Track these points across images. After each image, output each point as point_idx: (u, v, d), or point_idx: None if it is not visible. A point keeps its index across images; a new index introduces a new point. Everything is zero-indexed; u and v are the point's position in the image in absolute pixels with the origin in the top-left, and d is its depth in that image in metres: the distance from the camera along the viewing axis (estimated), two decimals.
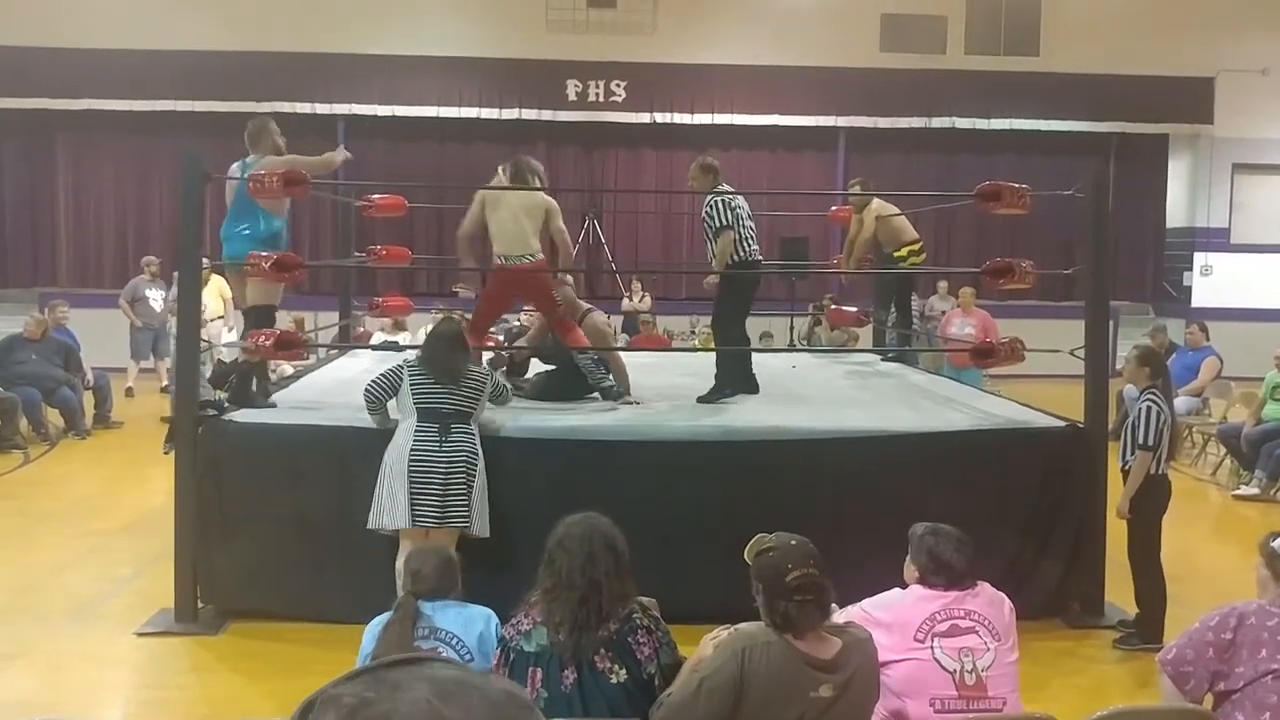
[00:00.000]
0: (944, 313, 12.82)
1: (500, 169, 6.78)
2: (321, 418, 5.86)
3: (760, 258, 6.91)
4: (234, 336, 11.44)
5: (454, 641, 3.41)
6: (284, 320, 9.62)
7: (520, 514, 5.20)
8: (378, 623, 3.47)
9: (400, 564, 5.05)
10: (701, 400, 6.46)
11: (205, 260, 12.97)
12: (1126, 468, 5.48)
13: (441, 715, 0.92)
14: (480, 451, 5.22)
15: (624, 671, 3.01)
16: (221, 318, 12.66)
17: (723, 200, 6.54)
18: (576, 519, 3.19)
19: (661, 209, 15.75)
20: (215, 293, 12.72)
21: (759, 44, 15.66)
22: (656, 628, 3.12)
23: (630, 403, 6.39)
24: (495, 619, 3.52)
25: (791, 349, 10.89)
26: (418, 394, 5.23)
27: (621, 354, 7.03)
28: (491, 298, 6.91)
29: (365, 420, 5.79)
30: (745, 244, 6.60)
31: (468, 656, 3.40)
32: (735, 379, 6.70)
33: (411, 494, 5.06)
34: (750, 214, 6.79)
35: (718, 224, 6.53)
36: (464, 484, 5.12)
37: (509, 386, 5.75)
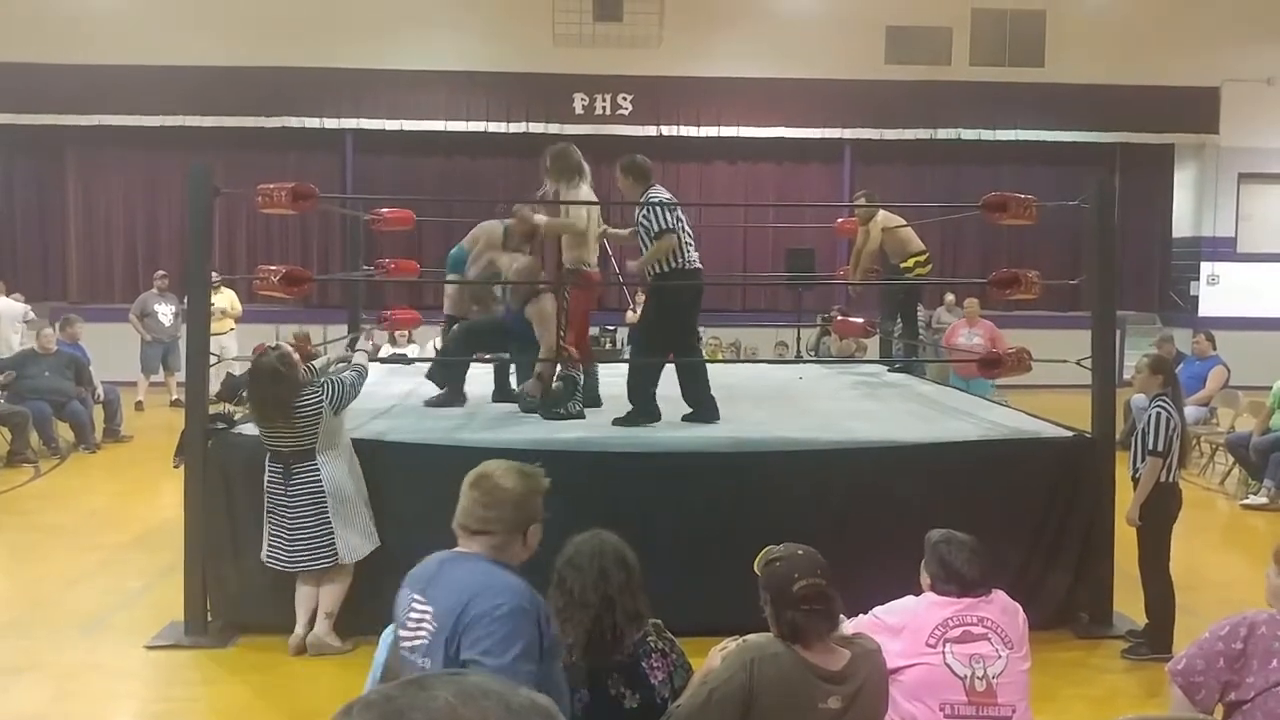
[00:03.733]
0: (950, 324, 12.83)
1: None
2: None
3: (700, 265, 6.32)
4: (235, 349, 11.52)
5: None
6: (288, 334, 9.68)
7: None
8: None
9: (297, 592, 5.26)
10: (617, 422, 6.07)
11: (215, 274, 13.15)
12: (1136, 476, 5.47)
13: (457, 714, 0.95)
14: (335, 479, 5.15)
15: (637, 697, 2.97)
16: (231, 330, 12.73)
17: (661, 205, 6.09)
18: (585, 537, 3.14)
19: None
20: (225, 305, 12.80)
21: (764, 57, 15.71)
22: (671, 650, 3.08)
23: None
24: None
25: (799, 360, 10.88)
26: (262, 434, 5.27)
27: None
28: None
29: (373, 433, 5.82)
30: (684, 250, 6.12)
31: None
32: (700, 400, 6.20)
33: (269, 535, 5.24)
34: (685, 220, 6.30)
35: (658, 226, 6.04)
36: (315, 523, 5.14)
37: (343, 382, 5.36)
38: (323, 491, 5.14)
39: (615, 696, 2.95)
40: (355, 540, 5.22)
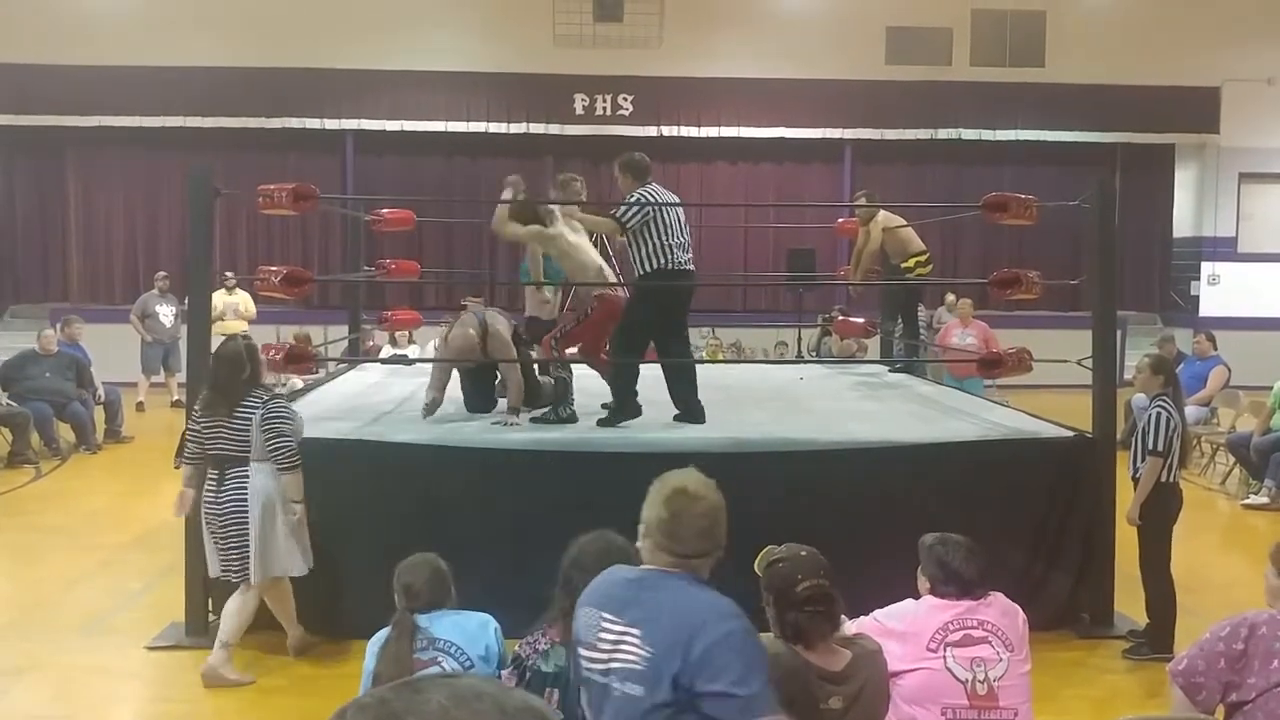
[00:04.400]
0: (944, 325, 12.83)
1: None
2: (330, 431, 5.87)
3: (691, 268, 6.19)
4: None
5: (453, 650, 3.42)
6: (288, 335, 9.68)
7: (529, 528, 5.21)
8: (378, 640, 3.49)
9: (229, 605, 5.04)
10: (601, 423, 6.01)
11: (230, 274, 13.12)
12: (1137, 476, 5.47)
13: (450, 716, 0.95)
14: (262, 492, 4.93)
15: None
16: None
17: (640, 204, 5.98)
18: (590, 537, 3.15)
19: None
20: (239, 307, 12.79)
21: (765, 57, 15.71)
22: None
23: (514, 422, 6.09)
24: (494, 623, 3.55)
25: (799, 361, 10.88)
26: (205, 436, 5.05)
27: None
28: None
29: (373, 434, 5.82)
30: (670, 251, 5.99)
31: (468, 664, 3.42)
32: (687, 403, 6.13)
33: (207, 544, 5.10)
34: (683, 221, 6.17)
35: (616, 215, 6.03)
36: (237, 534, 4.97)
37: (288, 420, 5.04)
38: (246, 502, 4.96)
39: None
40: (277, 559, 4.99)
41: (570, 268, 6.27)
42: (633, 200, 6.01)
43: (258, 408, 4.98)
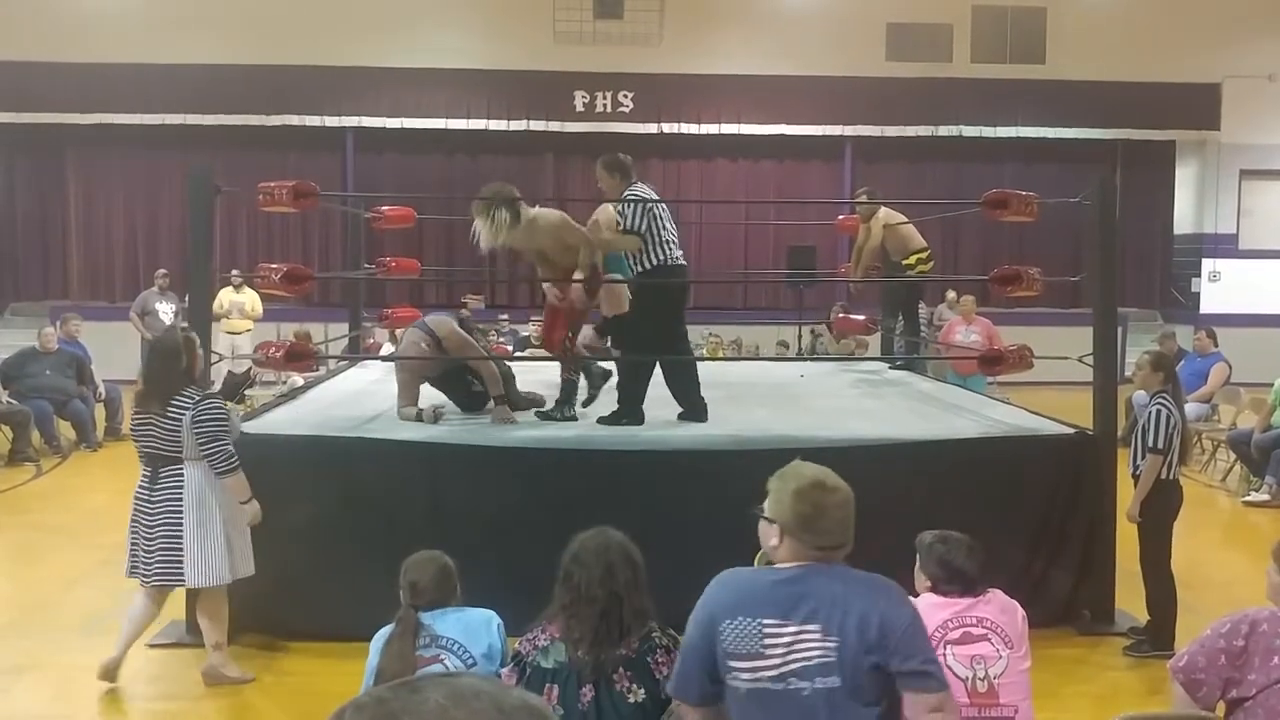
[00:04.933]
0: (947, 321, 12.82)
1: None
2: (331, 429, 5.88)
3: (684, 263, 6.24)
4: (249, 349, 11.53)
5: (456, 648, 3.41)
6: (289, 332, 9.68)
7: (529, 526, 5.20)
8: (381, 636, 3.48)
9: (131, 612, 4.86)
10: (601, 421, 6.03)
11: (236, 272, 13.11)
12: (1137, 473, 5.47)
13: (448, 715, 0.95)
14: (197, 494, 4.76)
15: (642, 691, 2.97)
16: (248, 330, 12.72)
17: (638, 204, 6.00)
18: (591, 534, 3.15)
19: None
20: (246, 306, 12.79)
21: (765, 54, 15.70)
22: (675, 646, 3.09)
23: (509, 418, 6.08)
24: (497, 619, 3.53)
25: (800, 358, 10.89)
26: (137, 433, 4.87)
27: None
28: None
29: (375, 431, 5.82)
30: (667, 248, 6.03)
31: (471, 662, 3.41)
32: (689, 399, 6.17)
33: (130, 544, 4.86)
34: (670, 216, 6.23)
35: (627, 226, 6.00)
36: (170, 535, 4.75)
37: (220, 421, 4.84)
38: (182, 501, 4.76)
39: (621, 691, 2.96)
40: (214, 562, 4.79)
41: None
42: (630, 200, 6.00)
43: (188, 407, 4.75)
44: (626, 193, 6.07)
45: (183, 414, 4.75)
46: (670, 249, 6.07)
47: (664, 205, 6.16)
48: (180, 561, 4.78)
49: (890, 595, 2.58)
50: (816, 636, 2.47)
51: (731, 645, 2.50)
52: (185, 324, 5.08)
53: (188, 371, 4.86)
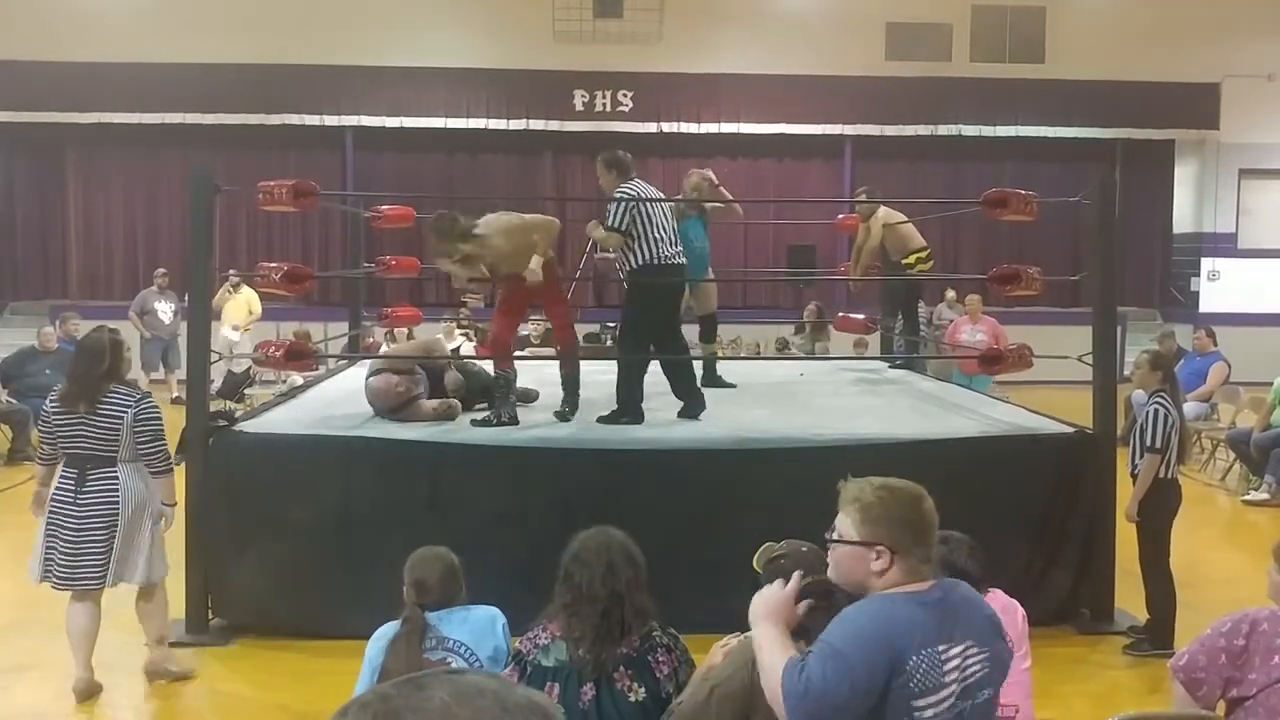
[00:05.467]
0: (951, 320, 12.81)
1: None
2: (331, 428, 5.88)
3: (680, 261, 6.20)
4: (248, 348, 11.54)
5: (462, 650, 3.37)
6: (289, 331, 9.68)
7: (528, 525, 5.21)
8: (383, 634, 3.40)
9: (76, 628, 4.76)
10: (601, 420, 6.02)
11: (233, 272, 13.09)
12: (1136, 472, 5.48)
13: (452, 713, 0.95)
14: (133, 494, 4.73)
15: (643, 690, 2.97)
16: (240, 328, 12.72)
17: (626, 201, 5.96)
18: (591, 533, 3.14)
19: None
20: (244, 304, 12.80)
21: (765, 53, 15.70)
22: (675, 645, 3.10)
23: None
24: (502, 619, 3.50)
25: (800, 356, 10.89)
26: (60, 434, 4.74)
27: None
28: None
29: (375, 430, 5.81)
30: (655, 245, 5.98)
31: (476, 663, 3.38)
32: (688, 393, 6.21)
33: (45, 548, 4.73)
34: (669, 215, 6.21)
35: (611, 223, 5.97)
36: (100, 539, 4.68)
37: (160, 420, 4.84)
38: (117, 504, 4.69)
39: (622, 690, 2.96)
40: (140, 562, 4.78)
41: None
42: (618, 197, 5.99)
43: (129, 406, 4.71)
44: (618, 190, 6.05)
45: (121, 413, 4.70)
46: (659, 247, 6.01)
47: (660, 205, 6.13)
48: (103, 563, 4.71)
49: (991, 602, 2.63)
50: (975, 653, 2.39)
51: (918, 684, 2.30)
52: (113, 327, 5.06)
53: (110, 372, 4.79)
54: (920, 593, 2.40)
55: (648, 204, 6.01)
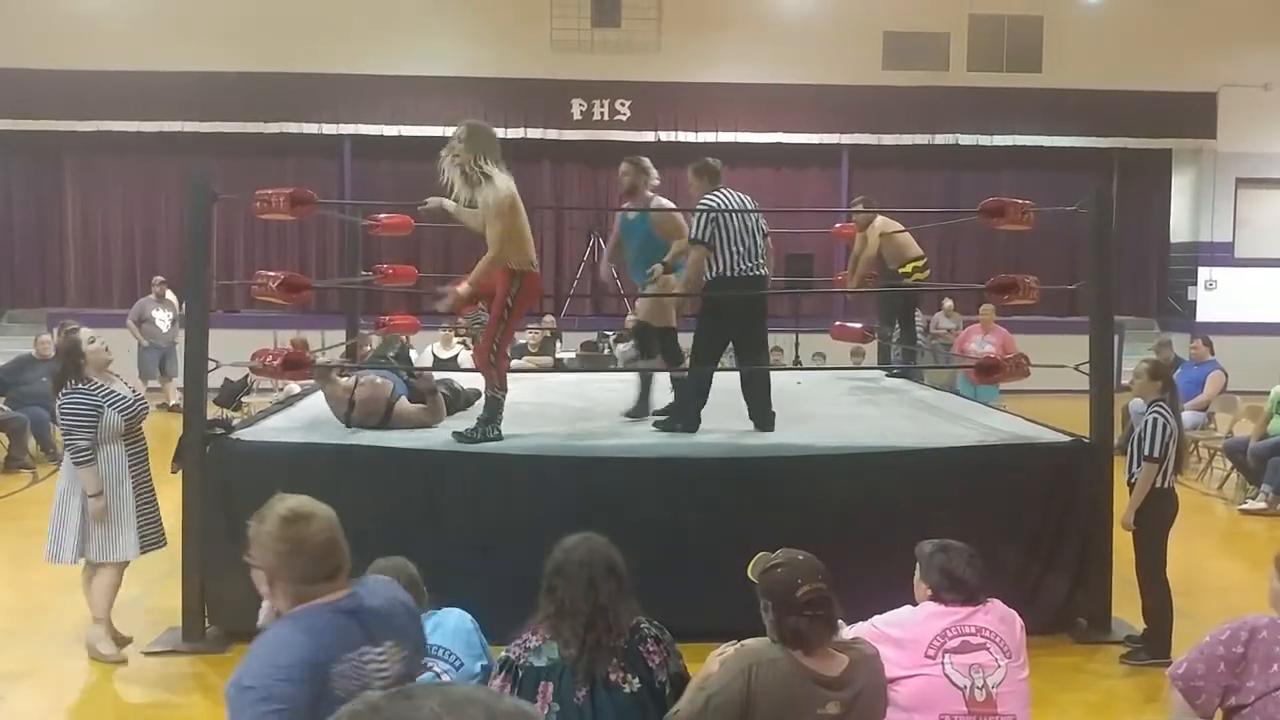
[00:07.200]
0: (950, 329, 12.83)
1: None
2: (328, 436, 5.87)
3: (759, 273, 6.08)
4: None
5: (443, 653, 3.41)
6: (286, 340, 9.67)
7: (527, 532, 5.18)
8: None
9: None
10: (658, 426, 6.15)
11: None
12: (1133, 481, 5.48)
13: (439, 719, 0.96)
14: (68, 478, 5.27)
15: (637, 681, 2.99)
16: None
17: (707, 212, 5.93)
18: (573, 542, 3.12)
19: None
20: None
21: (762, 62, 15.74)
22: (663, 634, 3.12)
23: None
24: (468, 616, 3.54)
25: (797, 367, 10.89)
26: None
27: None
28: None
29: (371, 439, 5.80)
30: (731, 258, 5.92)
31: (458, 664, 3.41)
32: (760, 411, 6.18)
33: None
34: (753, 226, 6.04)
35: (693, 236, 5.98)
36: (51, 519, 5.31)
37: (73, 414, 5.22)
38: (62, 489, 5.29)
39: (615, 682, 2.97)
40: (70, 540, 5.23)
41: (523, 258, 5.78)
42: (700, 209, 5.97)
43: (66, 403, 5.20)
44: (702, 200, 6.01)
45: (62, 405, 5.21)
46: (735, 260, 5.92)
47: (741, 216, 5.97)
48: (52, 539, 5.27)
49: None
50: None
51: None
52: (74, 326, 5.82)
53: (64, 371, 5.27)
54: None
55: (726, 215, 5.94)
